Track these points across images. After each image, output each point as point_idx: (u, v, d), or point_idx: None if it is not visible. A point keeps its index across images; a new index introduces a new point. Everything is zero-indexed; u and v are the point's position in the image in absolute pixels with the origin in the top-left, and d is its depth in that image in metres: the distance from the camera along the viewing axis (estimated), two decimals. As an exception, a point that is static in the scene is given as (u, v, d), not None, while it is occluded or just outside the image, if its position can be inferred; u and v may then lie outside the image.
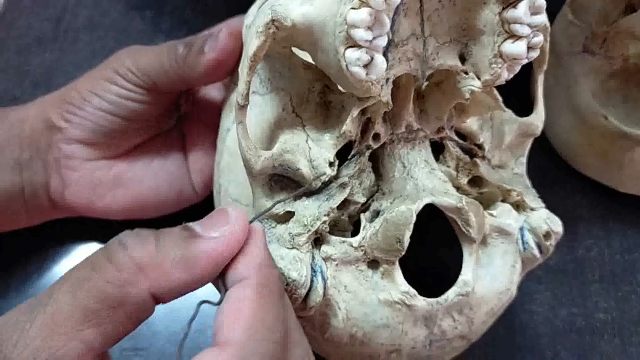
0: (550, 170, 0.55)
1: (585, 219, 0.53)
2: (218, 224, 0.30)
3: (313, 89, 0.35)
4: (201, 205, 0.49)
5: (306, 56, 0.33)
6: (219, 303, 0.28)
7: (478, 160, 0.38)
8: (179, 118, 0.51)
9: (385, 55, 0.31)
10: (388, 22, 0.29)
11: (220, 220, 0.30)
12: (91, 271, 0.27)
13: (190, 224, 0.30)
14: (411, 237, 0.33)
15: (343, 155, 0.35)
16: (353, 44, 0.29)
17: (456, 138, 0.38)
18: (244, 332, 0.27)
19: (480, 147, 0.38)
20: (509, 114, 0.39)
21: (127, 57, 0.44)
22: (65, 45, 0.60)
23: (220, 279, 0.29)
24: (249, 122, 0.36)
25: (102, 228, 0.50)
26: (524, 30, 0.31)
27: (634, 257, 0.52)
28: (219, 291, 0.30)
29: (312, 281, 0.33)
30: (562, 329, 0.49)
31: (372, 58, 0.29)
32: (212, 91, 0.50)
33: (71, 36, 0.61)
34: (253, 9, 0.42)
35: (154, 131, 0.49)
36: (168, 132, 0.50)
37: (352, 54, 0.29)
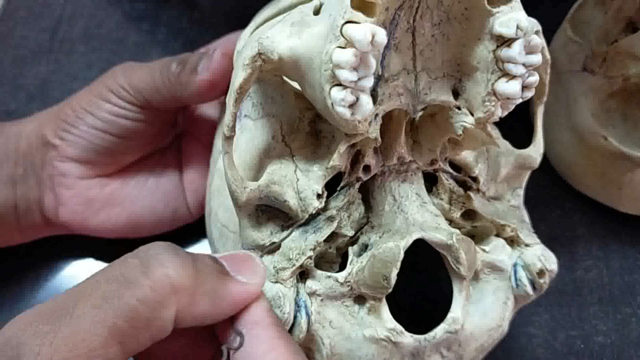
0: (549, 189, 0.54)
1: (584, 238, 0.53)
2: (247, 271, 0.31)
3: (304, 118, 0.35)
4: (195, 226, 0.49)
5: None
6: (239, 346, 0.29)
7: (472, 194, 0.37)
8: (176, 136, 0.50)
9: (374, 90, 0.31)
10: (374, 63, 0.28)
11: (249, 268, 0.31)
12: (123, 287, 0.26)
13: (219, 259, 0.31)
14: (401, 269, 0.33)
15: (333, 185, 0.34)
16: (338, 82, 0.28)
17: (450, 170, 0.37)
18: None
19: (474, 179, 0.37)
20: (505, 145, 0.38)
21: (121, 74, 0.44)
22: (60, 56, 0.60)
23: (231, 323, 0.30)
24: (240, 146, 0.36)
25: (96, 246, 0.50)
26: (518, 70, 0.30)
27: (633, 279, 0.51)
28: (223, 335, 0.30)
29: (295, 317, 0.33)
30: (560, 352, 0.48)
31: (357, 99, 0.28)
32: (210, 110, 0.50)
33: (67, 47, 0.61)
34: (246, 33, 0.41)
35: (149, 149, 0.48)
36: (164, 151, 0.50)
37: (337, 94, 0.28)
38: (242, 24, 0.43)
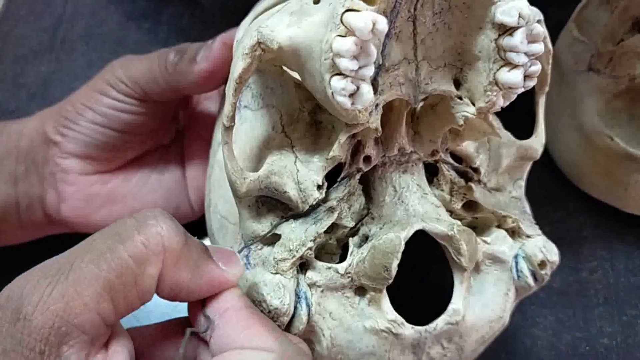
0: (554, 188, 0.54)
1: (589, 239, 0.52)
2: (228, 262, 0.32)
3: (304, 108, 0.34)
4: (197, 223, 0.49)
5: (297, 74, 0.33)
6: (206, 330, 0.30)
7: (473, 185, 0.37)
8: (178, 133, 0.50)
9: (375, 80, 0.31)
10: (375, 52, 0.28)
11: (231, 260, 0.32)
12: (117, 242, 0.28)
13: (205, 244, 0.32)
14: (401, 260, 0.32)
15: (333, 176, 0.34)
16: (339, 72, 0.28)
17: (451, 161, 0.37)
18: (275, 340, 0.29)
19: (476, 170, 0.37)
20: (507, 136, 0.38)
21: (119, 67, 0.44)
22: (61, 55, 0.60)
23: (202, 308, 0.31)
24: (239, 137, 0.35)
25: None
26: (520, 59, 0.30)
27: (639, 280, 0.50)
28: (194, 320, 0.31)
29: (295, 308, 0.32)
30: (565, 354, 0.48)
31: (358, 88, 0.28)
32: (212, 105, 0.50)
33: (68, 46, 0.61)
34: (245, 22, 0.41)
35: (151, 145, 0.48)
36: (167, 147, 0.50)
37: (337, 83, 0.28)
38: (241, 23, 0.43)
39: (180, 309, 0.32)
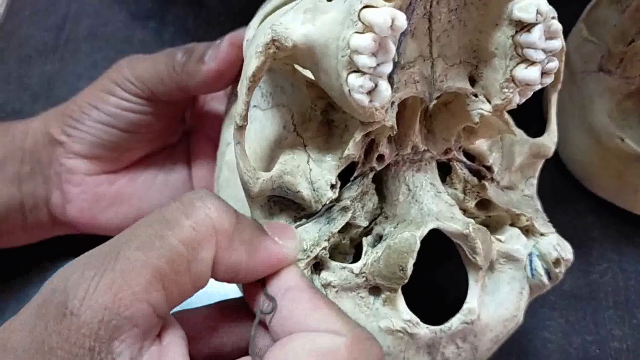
0: (563, 190, 0.54)
1: (598, 241, 0.52)
2: (284, 235, 0.31)
3: (315, 107, 0.34)
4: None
5: (309, 72, 0.32)
6: (272, 310, 0.29)
7: (486, 183, 0.36)
8: (185, 133, 0.50)
9: (390, 78, 0.30)
10: (393, 48, 0.27)
11: (286, 233, 0.31)
12: (165, 228, 0.27)
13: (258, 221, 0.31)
14: (416, 259, 0.32)
15: (345, 175, 0.34)
16: (356, 69, 0.27)
17: (464, 159, 0.36)
18: (344, 322, 0.28)
19: (489, 168, 0.37)
20: (519, 134, 0.38)
21: (126, 66, 0.44)
22: (66, 55, 0.60)
23: (263, 287, 0.30)
24: (249, 137, 0.35)
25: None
26: (538, 55, 0.29)
27: (649, 283, 0.50)
28: (253, 301, 0.30)
29: (310, 308, 0.32)
30: (575, 357, 0.47)
31: (376, 85, 0.28)
32: (219, 106, 0.49)
33: (72, 46, 0.60)
34: (254, 22, 0.41)
35: (158, 145, 0.48)
36: (173, 147, 0.49)
37: (355, 80, 0.28)
38: (249, 23, 0.42)
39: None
